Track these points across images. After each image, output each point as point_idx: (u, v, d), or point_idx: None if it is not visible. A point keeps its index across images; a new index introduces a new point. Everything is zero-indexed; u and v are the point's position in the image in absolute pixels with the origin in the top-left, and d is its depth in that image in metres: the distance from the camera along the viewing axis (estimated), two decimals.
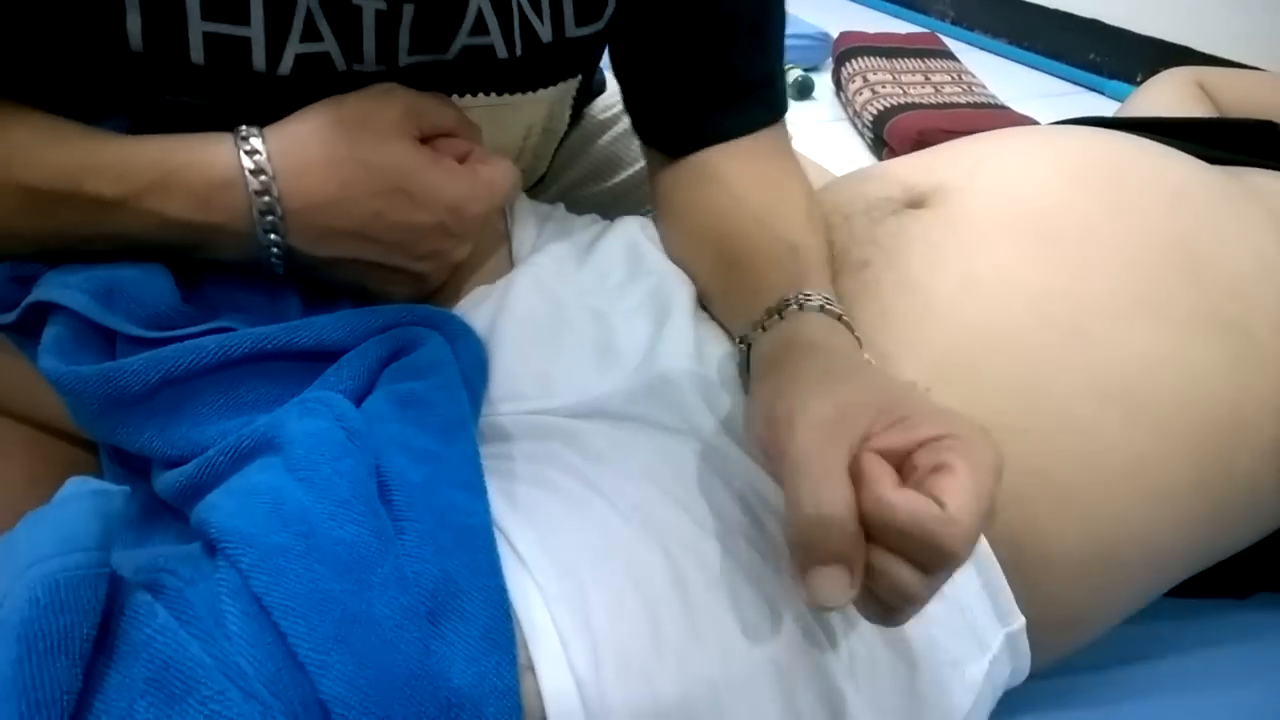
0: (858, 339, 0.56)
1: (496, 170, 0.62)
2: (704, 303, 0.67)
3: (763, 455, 0.47)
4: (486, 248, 0.68)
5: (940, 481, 0.40)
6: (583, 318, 0.62)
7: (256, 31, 0.56)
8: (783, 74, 0.74)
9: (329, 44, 0.58)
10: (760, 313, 0.57)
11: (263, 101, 0.57)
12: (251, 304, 0.59)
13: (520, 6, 0.64)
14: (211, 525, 0.44)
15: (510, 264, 0.68)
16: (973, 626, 0.54)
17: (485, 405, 0.58)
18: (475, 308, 0.63)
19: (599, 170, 0.95)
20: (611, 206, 0.95)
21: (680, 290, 0.66)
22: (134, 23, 0.54)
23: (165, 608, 0.41)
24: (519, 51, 0.65)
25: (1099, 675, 0.70)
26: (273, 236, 0.56)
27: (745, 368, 0.57)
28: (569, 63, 0.71)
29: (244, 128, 0.56)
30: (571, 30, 0.67)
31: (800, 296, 0.56)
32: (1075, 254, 0.63)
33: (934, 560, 0.40)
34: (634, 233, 0.71)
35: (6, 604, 0.37)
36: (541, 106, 0.72)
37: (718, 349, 0.62)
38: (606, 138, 0.97)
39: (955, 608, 0.54)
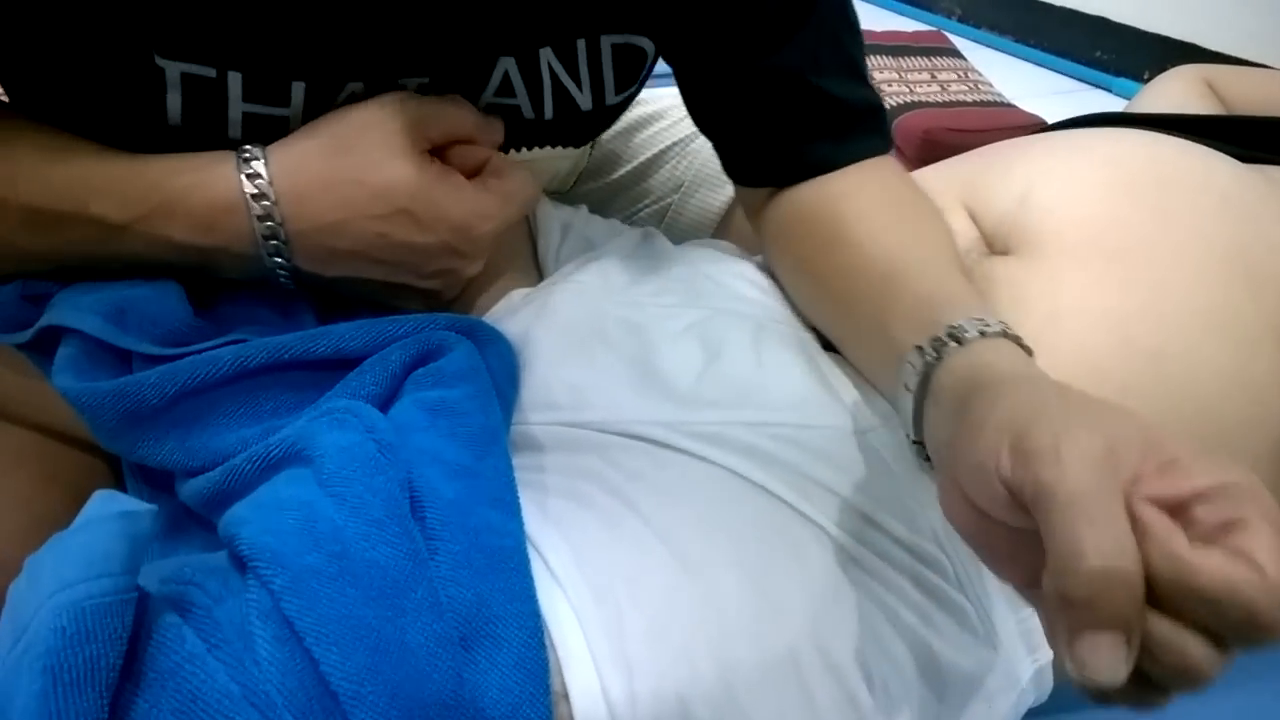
0: None
1: (512, 183, 0.60)
2: (831, 332, 0.63)
3: (986, 494, 0.40)
4: (510, 250, 0.67)
5: (1242, 540, 0.34)
6: (622, 332, 0.60)
7: (295, 111, 0.56)
8: (881, 107, 0.69)
9: None
10: (934, 333, 0.50)
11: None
12: (266, 316, 0.58)
13: (555, 76, 0.62)
14: (241, 540, 0.43)
15: (536, 267, 0.67)
16: (1008, 662, 0.54)
17: (517, 413, 0.57)
18: (511, 315, 0.62)
19: (597, 167, 0.94)
20: (608, 203, 0.94)
21: (737, 324, 0.62)
22: (174, 102, 0.54)
23: (193, 630, 0.40)
24: (549, 115, 0.64)
25: None
26: (278, 260, 0.55)
27: (919, 390, 0.51)
28: (603, 123, 0.70)
29: (247, 148, 0.54)
30: (611, 99, 0.66)
31: (988, 320, 0.50)
32: (1144, 273, 0.62)
33: (1243, 633, 0.34)
34: (693, 261, 0.69)
35: (31, 630, 0.36)
36: (569, 160, 0.71)
37: (774, 385, 0.59)
38: (605, 135, 0.96)
39: (991, 645, 0.53)
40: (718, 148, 0.71)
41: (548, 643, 0.45)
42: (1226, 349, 0.60)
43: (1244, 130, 0.87)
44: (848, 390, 0.60)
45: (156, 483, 0.54)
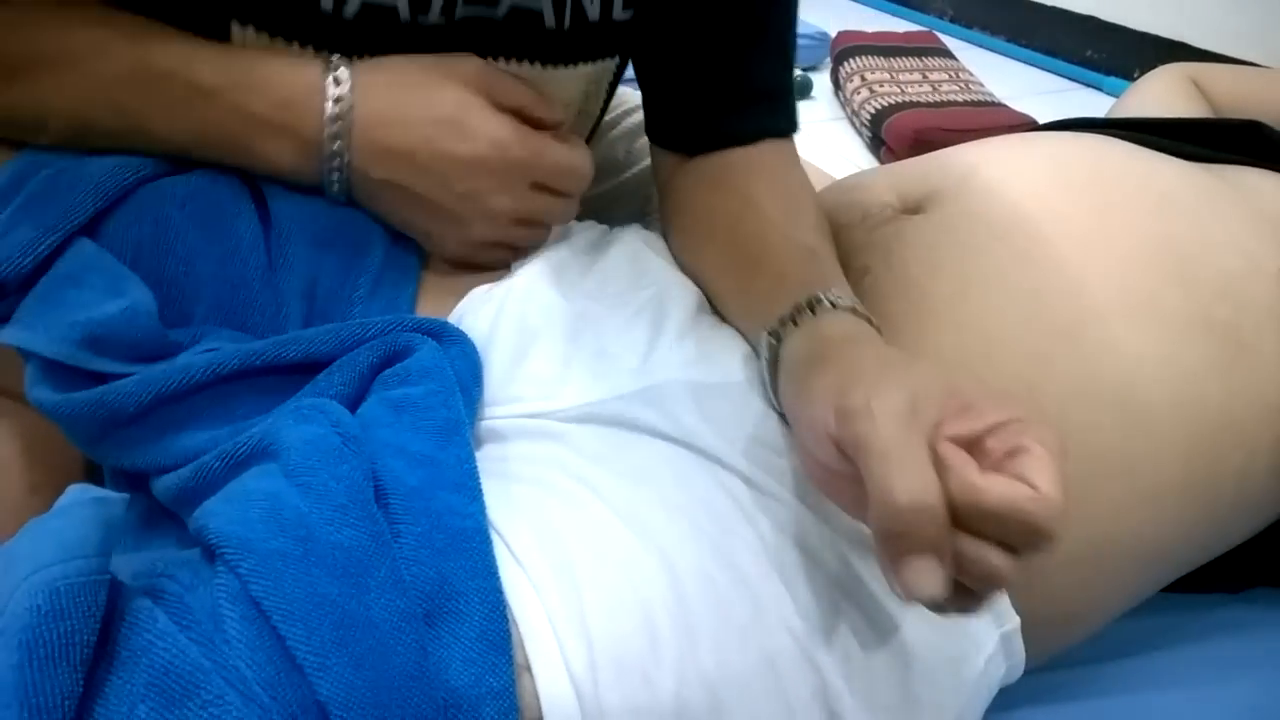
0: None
1: (561, 146, 0.65)
2: (714, 303, 0.67)
3: (821, 449, 0.47)
4: None
5: (1022, 463, 0.41)
6: (581, 324, 0.62)
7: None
8: (793, 91, 0.76)
9: None
10: (784, 310, 0.57)
11: (324, 43, 0.62)
12: (240, 336, 0.59)
13: None
14: (210, 531, 0.44)
15: (507, 266, 0.68)
16: (967, 627, 0.55)
17: (482, 408, 0.58)
18: (474, 311, 0.64)
19: (603, 171, 0.95)
20: (610, 208, 0.95)
21: (680, 299, 0.65)
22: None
23: (165, 613, 0.42)
24: (567, 24, 0.67)
25: (1094, 669, 0.70)
26: (337, 144, 0.60)
27: (772, 362, 0.57)
28: (610, 43, 0.73)
29: (334, 57, 0.61)
30: (618, 13, 0.69)
31: (830, 296, 0.56)
32: (1067, 256, 0.63)
33: (1028, 540, 0.41)
34: (636, 243, 0.71)
35: (8, 611, 0.38)
36: (580, 83, 0.73)
37: (718, 356, 0.62)
38: (604, 141, 0.97)
39: None
40: (646, 102, 0.77)
41: (509, 617, 0.47)
42: (1149, 334, 0.61)
43: (1204, 133, 0.89)
44: None
45: (133, 479, 0.56)
